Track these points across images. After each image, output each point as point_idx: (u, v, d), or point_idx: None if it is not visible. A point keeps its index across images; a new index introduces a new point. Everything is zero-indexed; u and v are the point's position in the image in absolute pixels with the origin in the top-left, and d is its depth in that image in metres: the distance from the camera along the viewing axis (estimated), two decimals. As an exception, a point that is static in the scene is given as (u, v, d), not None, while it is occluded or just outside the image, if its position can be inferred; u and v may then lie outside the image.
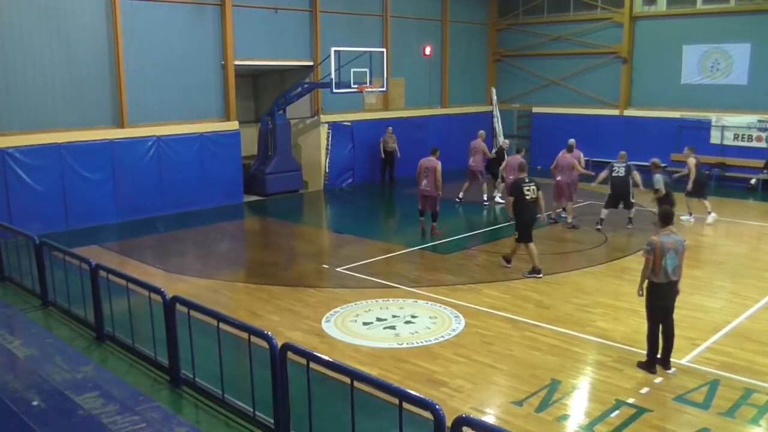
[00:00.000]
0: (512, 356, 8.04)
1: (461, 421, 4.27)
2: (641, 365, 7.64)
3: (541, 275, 11.11)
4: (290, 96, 18.41)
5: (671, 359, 7.65)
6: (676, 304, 7.64)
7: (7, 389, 6.27)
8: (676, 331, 7.74)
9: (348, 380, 5.22)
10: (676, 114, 20.64)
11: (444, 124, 22.62)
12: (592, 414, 6.62)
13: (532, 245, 11.24)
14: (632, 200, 14.30)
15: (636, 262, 11.95)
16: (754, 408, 6.69)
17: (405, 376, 7.48)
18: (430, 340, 8.51)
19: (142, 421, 5.67)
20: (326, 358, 5.73)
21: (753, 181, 19.08)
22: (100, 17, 14.96)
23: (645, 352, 7.70)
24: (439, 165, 13.44)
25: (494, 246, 13.27)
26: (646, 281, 7.57)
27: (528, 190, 11.18)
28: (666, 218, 7.68)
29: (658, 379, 7.32)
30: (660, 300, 7.53)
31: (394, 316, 9.38)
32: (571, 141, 14.93)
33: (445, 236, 13.95)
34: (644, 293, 7.65)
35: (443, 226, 14.20)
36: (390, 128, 20.23)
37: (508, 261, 11.67)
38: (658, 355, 7.61)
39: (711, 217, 14.97)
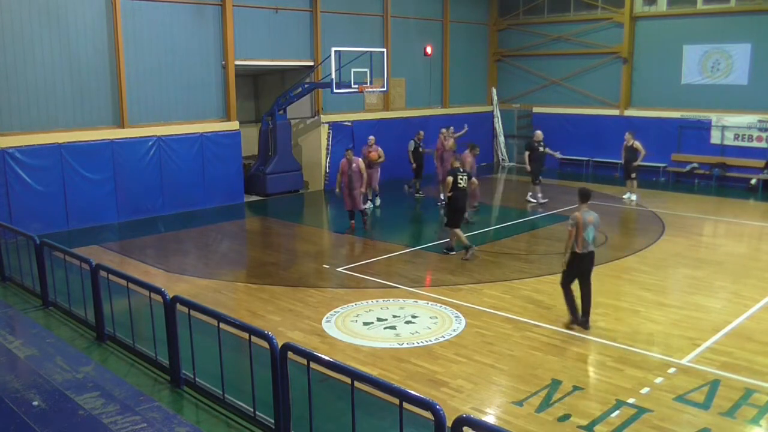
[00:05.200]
0: (513, 356, 8.04)
1: (462, 421, 4.27)
2: (568, 326, 8.82)
3: (453, 253, 12.42)
4: (291, 96, 18.41)
5: (671, 359, 7.74)
6: (676, 303, 7.71)
7: (7, 389, 6.28)
8: (676, 331, 8.06)
9: (348, 380, 5.22)
10: (676, 114, 20.63)
11: (444, 124, 22.57)
12: (592, 414, 6.62)
13: (458, 230, 12.43)
14: None
15: (636, 262, 11.99)
16: (754, 408, 6.69)
17: (405, 376, 7.49)
18: (431, 340, 8.51)
19: (143, 421, 5.68)
20: (327, 358, 5.73)
21: (753, 181, 19.07)
22: (100, 17, 14.98)
23: (645, 351, 7.90)
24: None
25: (494, 246, 13.28)
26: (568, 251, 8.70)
27: (461, 179, 12.27)
28: (584, 196, 8.84)
29: (659, 379, 7.32)
30: (578, 267, 8.76)
31: (394, 316, 9.38)
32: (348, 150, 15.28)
33: (446, 236, 13.97)
34: (566, 264, 8.77)
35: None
36: (452, 127, 19.70)
37: (451, 249, 12.50)
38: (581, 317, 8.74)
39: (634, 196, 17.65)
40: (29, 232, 10.23)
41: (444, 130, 18.29)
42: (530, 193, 17.61)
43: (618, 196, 18.07)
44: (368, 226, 14.79)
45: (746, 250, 13.03)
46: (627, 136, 17.48)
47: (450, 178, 12.32)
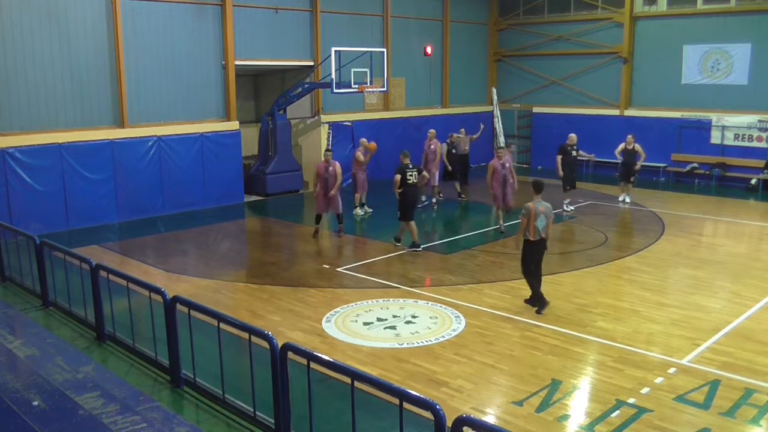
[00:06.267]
0: (513, 356, 8.04)
1: (462, 421, 4.27)
2: (532, 305, 9.47)
3: (420, 249, 12.72)
4: (291, 96, 18.41)
5: (671, 359, 7.78)
6: (676, 303, 7.78)
7: (7, 389, 6.27)
8: (677, 331, 8.21)
9: (348, 380, 5.22)
10: (676, 114, 20.62)
11: (444, 124, 22.60)
12: (592, 414, 6.62)
13: (412, 223, 12.84)
14: None
15: (636, 262, 11.99)
16: (754, 408, 6.69)
17: (406, 376, 7.49)
18: (431, 340, 8.51)
19: (143, 421, 5.67)
20: (327, 358, 5.73)
21: (753, 181, 19.07)
22: (100, 17, 14.97)
23: (645, 351, 7.96)
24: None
25: (494, 246, 13.28)
26: (523, 240, 9.34)
27: (410, 176, 12.79)
28: (537, 187, 9.41)
29: (659, 379, 7.32)
30: (534, 254, 9.34)
31: (394, 316, 9.38)
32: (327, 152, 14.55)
33: (447, 236, 13.98)
34: (521, 251, 9.48)
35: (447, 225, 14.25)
36: (463, 129, 19.40)
37: (399, 240, 13.03)
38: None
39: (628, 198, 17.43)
40: (29, 232, 10.23)
41: (461, 132, 18.50)
42: (566, 201, 16.31)
43: (618, 196, 18.03)
44: (341, 232, 14.32)
45: (746, 250, 13.03)
46: (629, 138, 17.10)
47: (398, 176, 12.69)
